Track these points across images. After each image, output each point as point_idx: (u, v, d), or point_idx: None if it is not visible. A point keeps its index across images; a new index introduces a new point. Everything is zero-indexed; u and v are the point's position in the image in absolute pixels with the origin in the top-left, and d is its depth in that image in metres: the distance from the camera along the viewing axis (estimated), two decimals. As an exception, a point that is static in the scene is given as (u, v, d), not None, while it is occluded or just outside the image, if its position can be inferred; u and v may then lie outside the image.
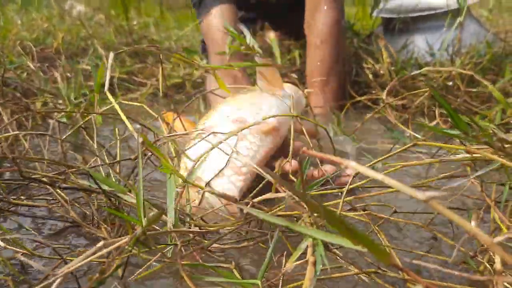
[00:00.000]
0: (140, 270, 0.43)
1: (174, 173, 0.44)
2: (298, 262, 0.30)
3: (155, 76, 1.49)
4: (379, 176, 0.26)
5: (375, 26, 1.47)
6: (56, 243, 0.51)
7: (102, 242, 0.35)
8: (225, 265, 0.40)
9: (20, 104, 0.86)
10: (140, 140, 0.47)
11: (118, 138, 0.62)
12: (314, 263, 0.29)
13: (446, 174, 0.46)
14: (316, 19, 1.04)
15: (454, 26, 1.09)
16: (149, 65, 1.53)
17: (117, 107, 0.49)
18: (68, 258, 0.46)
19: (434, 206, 0.24)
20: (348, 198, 0.47)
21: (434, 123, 0.80)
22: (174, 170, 0.44)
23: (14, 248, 0.46)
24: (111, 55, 0.52)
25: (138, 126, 0.70)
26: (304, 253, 0.33)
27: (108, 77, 0.50)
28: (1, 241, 0.45)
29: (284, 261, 0.39)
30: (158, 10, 2.39)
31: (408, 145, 0.46)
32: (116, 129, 0.62)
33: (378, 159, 0.47)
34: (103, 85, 0.99)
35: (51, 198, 0.62)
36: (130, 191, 0.53)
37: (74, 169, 0.57)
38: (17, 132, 0.50)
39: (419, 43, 1.22)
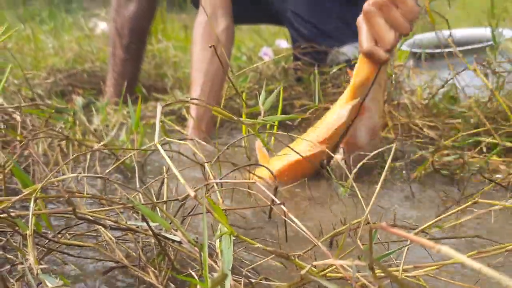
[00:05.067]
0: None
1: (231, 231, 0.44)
2: None
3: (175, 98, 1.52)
4: (476, 265, 0.25)
5: (400, 59, 1.48)
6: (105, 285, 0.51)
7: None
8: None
9: (61, 133, 0.87)
10: (193, 194, 0.47)
11: (165, 176, 0.62)
12: None
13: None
14: None
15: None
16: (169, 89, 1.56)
17: (167, 158, 0.49)
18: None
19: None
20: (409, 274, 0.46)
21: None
22: (229, 228, 0.44)
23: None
24: (159, 107, 0.53)
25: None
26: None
27: (158, 130, 0.50)
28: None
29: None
30: (183, 33, 2.43)
31: (468, 204, 0.45)
32: (164, 167, 0.62)
33: (434, 220, 0.46)
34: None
35: (95, 234, 0.63)
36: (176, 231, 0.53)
37: (121, 206, 0.57)
38: (74, 174, 0.50)
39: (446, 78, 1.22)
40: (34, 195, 0.46)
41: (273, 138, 1.13)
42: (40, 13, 4.15)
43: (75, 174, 0.49)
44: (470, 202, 0.44)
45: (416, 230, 0.45)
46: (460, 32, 1.37)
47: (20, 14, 3.92)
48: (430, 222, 0.45)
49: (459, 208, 0.45)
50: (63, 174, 0.67)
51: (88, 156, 0.85)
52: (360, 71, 0.82)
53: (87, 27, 2.70)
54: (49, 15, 3.86)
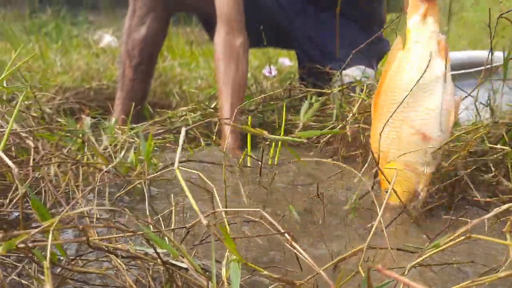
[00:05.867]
0: None
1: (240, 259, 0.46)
2: None
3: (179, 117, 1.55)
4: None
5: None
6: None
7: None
8: None
9: (70, 156, 0.90)
10: (206, 221, 0.50)
11: (173, 205, 0.64)
12: None
13: None
14: None
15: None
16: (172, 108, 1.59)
17: (185, 188, 0.52)
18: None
19: None
20: None
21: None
22: (239, 257, 0.46)
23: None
24: (183, 132, 0.55)
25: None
26: None
27: (179, 154, 0.52)
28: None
29: None
30: (188, 48, 2.47)
31: (460, 239, 0.47)
32: (171, 196, 0.65)
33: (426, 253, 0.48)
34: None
35: (105, 260, 0.65)
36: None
37: (131, 234, 0.60)
38: (89, 207, 0.53)
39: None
40: (52, 228, 0.48)
41: (277, 155, 1.16)
42: (46, 25, 4.22)
43: (89, 207, 0.52)
44: (462, 238, 0.46)
45: (411, 265, 0.47)
46: (462, 54, 1.40)
47: (26, 26, 3.98)
48: (417, 260, 0.48)
49: (451, 243, 0.47)
50: (77, 200, 0.69)
51: (97, 179, 0.87)
52: (415, 9, 0.87)
53: (93, 40, 2.73)
54: (55, 27, 3.92)
